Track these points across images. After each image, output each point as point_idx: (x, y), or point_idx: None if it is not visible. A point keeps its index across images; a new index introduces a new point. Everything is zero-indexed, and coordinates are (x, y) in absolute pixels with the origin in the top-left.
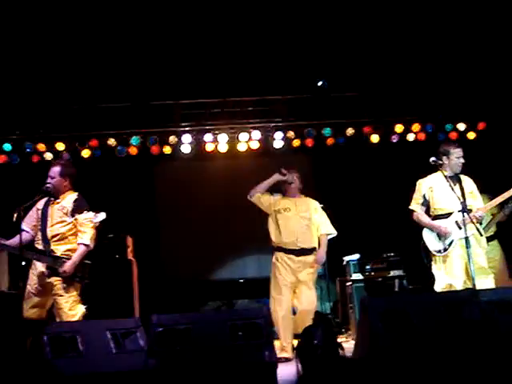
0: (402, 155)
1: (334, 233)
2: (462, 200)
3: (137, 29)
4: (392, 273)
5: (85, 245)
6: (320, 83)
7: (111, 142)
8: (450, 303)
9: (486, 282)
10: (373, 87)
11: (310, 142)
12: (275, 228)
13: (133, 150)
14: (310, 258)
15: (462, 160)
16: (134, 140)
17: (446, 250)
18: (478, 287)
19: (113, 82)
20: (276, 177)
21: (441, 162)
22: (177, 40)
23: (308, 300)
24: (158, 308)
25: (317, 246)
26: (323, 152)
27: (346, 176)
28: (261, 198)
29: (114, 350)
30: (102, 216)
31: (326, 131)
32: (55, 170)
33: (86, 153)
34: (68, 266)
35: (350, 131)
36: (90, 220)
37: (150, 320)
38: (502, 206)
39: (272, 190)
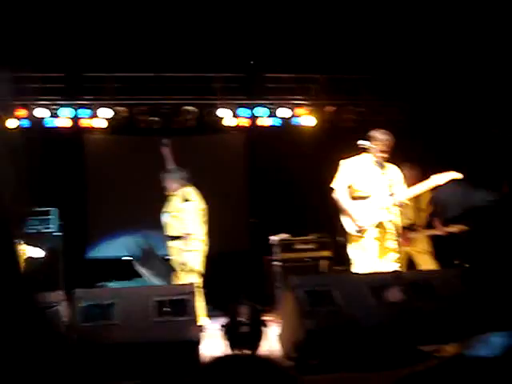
0: (334, 138)
1: None
2: (383, 184)
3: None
4: (319, 253)
5: None
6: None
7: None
8: (374, 285)
9: (396, 264)
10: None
11: (244, 122)
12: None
13: (63, 122)
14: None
15: (387, 148)
16: (65, 111)
17: (362, 231)
18: (390, 269)
19: (46, 51)
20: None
21: (369, 145)
22: (114, 13)
23: None
24: (83, 284)
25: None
26: (257, 132)
27: (278, 156)
28: None
29: None
30: None
31: (261, 111)
32: None
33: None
34: None
35: (283, 113)
36: None
37: (73, 294)
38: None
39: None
